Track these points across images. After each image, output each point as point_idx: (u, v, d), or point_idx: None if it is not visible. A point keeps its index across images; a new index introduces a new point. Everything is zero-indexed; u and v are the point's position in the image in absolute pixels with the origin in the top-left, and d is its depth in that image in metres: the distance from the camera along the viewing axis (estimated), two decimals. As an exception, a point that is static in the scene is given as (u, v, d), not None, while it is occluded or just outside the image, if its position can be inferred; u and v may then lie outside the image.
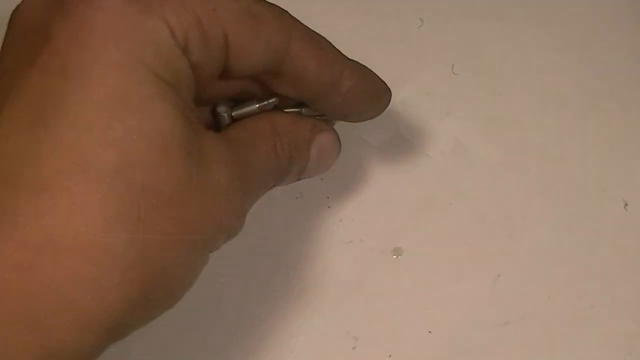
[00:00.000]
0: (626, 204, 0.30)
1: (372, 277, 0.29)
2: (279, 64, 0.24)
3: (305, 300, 0.29)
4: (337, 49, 0.25)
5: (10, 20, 0.22)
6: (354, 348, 0.28)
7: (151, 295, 0.21)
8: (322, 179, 0.31)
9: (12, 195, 0.19)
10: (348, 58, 0.25)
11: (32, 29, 0.21)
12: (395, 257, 0.30)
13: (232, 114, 0.25)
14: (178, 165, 0.21)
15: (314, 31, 0.25)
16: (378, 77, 0.26)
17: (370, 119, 0.27)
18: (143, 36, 0.20)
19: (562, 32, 0.34)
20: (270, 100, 0.26)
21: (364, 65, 0.26)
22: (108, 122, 0.19)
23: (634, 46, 0.34)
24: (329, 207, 0.31)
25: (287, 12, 0.24)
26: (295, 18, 0.24)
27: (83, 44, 0.20)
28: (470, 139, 0.32)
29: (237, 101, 0.26)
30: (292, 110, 0.26)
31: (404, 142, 0.32)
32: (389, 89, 0.27)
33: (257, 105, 0.25)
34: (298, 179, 0.27)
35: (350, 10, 0.35)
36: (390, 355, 0.28)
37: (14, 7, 0.22)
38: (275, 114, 0.26)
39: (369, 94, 0.26)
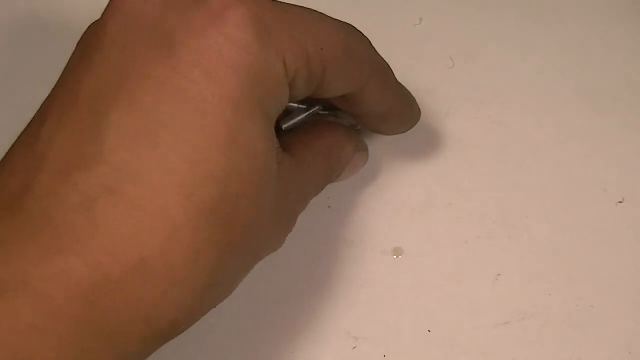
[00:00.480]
0: (626, 204, 0.30)
1: (372, 277, 0.29)
2: (352, 93, 0.25)
3: (305, 300, 0.29)
4: (396, 80, 0.27)
5: (115, 5, 0.21)
6: (354, 348, 0.28)
7: (209, 309, 0.22)
8: (322, 178, 0.31)
9: (115, 210, 0.19)
10: (399, 83, 0.27)
11: (147, 28, 0.21)
12: (395, 257, 0.30)
13: (283, 127, 0.26)
14: (266, 201, 0.22)
15: (386, 63, 0.26)
16: (416, 103, 0.28)
17: (393, 135, 0.29)
18: (263, 73, 0.21)
19: (562, 32, 0.34)
20: (314, 109, 0.27)
21: (409, 92, 0.28)
22: (216, 157, 0.20)
23: (634, 46, 0.34)
24: (329, 207, 0.31)
25: (371, 43, 0.25)
26: (375, 50, 0.25)
27: (207, 72, 0.20)
28: (470, 139, 0.32)
29: None
30: (328, 113, 0.28)
31: (404, 142, 0.32)
32: (420, 113, 0.29)
33: (304, 116, 0.26)
34: None
35: (349, 9, 0.35)
36: (390, 355, 0.28)
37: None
38: (330, 130, 0.27)
39: (407, 120, 0.28)
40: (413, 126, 0.29)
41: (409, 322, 0.29)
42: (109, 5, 0.22)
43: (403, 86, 0.27)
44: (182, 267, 0.20)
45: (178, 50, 0.20)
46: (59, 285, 0.18)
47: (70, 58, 0.22)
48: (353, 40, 0.24)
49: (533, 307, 0.29)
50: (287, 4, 0.23)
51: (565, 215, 0.30)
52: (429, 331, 0.28)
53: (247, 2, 0.21)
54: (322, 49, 0.22)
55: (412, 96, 0.28)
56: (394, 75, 0.26)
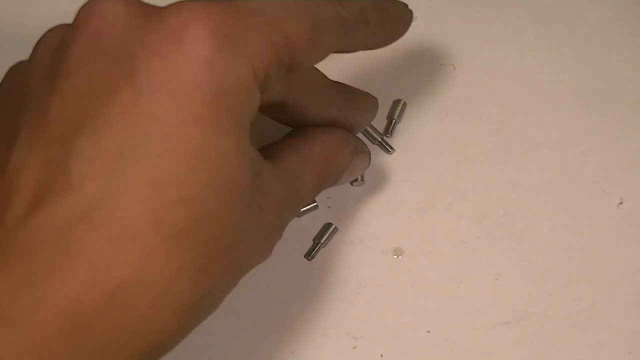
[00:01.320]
0: (626, 205, 0.30)
1: (372, 277, 0.29)
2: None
3: (305, 300, 0.29)
4: (372, 7, 0.25)
5: (78, 25, 0.21)
6: (354, 348, 0.28)
7: (193, 327, 0.22)
8: (322, 179, 0.31)
9: (87, 239, 0.19)
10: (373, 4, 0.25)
11: (110, 51, 0.20)
12: (395, 257, 0.30)
13: None
14: (241, 217, 0.21)
15: (357, 5, 0.24)
16: (398, 4, 0.27)
17: (394, 42, 0.28)
18: (229, 83, 0.20)
19: (562, 32, 0.34)
20: None
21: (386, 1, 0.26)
22: (184, 178, 0.19)
23: (634, 46, 0.34)
24: (329, 207, 0.31)
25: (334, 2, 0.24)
26: (341, 5, 0.24)
27: (170, 93, 0.20)
28: (470, 139, 0.32)
29: None
30: None
31: (404, 142, 0.32)
32: (410, 11, 0.27)
33: None
34: None
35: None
36: (390, 355, 0.28)
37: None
38: (323, 134, 0.27)
39: (390, 28, 0.27)
40: (405, 27, 0.27)
41: (408, 322, 0.29)
42: (72, 26, 0.21)
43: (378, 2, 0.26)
44: (159, 290, 0.19)
45: (141, 73, 0.20)
46: (36, 318, 0.18)
47: (31, 76, 0.22)
48: (317, 12, 0.23)
49: (533, 307, 0.29)
50: (244, 1, 0.22)
51: (565, 215, 0.30)
52: (429, 332, 0.28)
53: (204, 16, 0.20)
54: (286, 37, 0.21)
55: (390, 2, 0.27)
56: (370, 12, 0.25)
